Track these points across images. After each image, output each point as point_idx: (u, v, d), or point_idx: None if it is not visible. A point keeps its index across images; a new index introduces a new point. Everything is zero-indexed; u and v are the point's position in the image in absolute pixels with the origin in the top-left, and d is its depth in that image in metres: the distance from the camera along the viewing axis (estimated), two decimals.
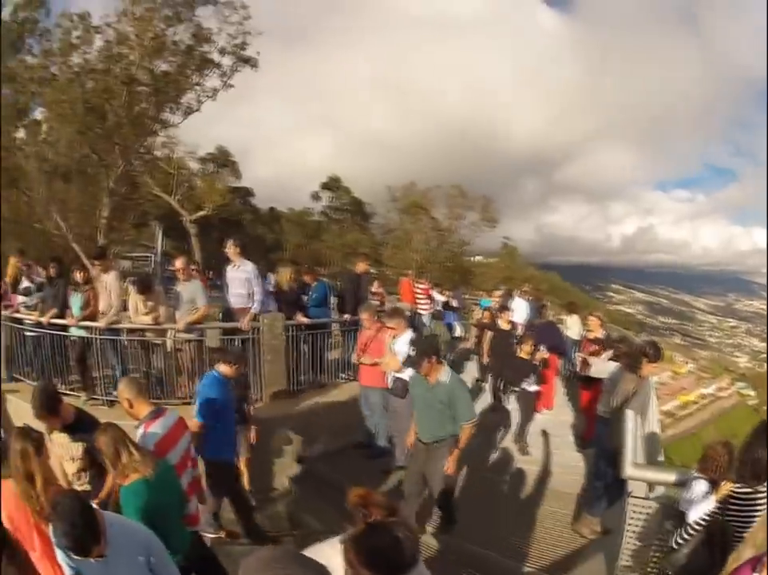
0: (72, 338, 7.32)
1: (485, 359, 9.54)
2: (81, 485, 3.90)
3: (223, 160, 36.78)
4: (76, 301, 7.28)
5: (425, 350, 4.80)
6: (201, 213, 27.21)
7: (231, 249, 7.19)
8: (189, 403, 6.57)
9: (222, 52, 21.50)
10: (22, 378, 7.86)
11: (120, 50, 20.57)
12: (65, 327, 7.28)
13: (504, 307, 9.83)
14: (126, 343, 7.11)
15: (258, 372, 7.24)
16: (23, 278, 8.28)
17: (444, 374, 4.79)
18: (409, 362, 5.16)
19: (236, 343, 7.09)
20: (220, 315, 7.88)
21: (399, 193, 38.59)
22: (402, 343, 6.30)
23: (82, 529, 2.39)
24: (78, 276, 7.34)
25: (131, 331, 7.08)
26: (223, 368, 4.98)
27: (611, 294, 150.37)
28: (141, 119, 21.70)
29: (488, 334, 9.45)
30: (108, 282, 7.06)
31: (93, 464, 3.93)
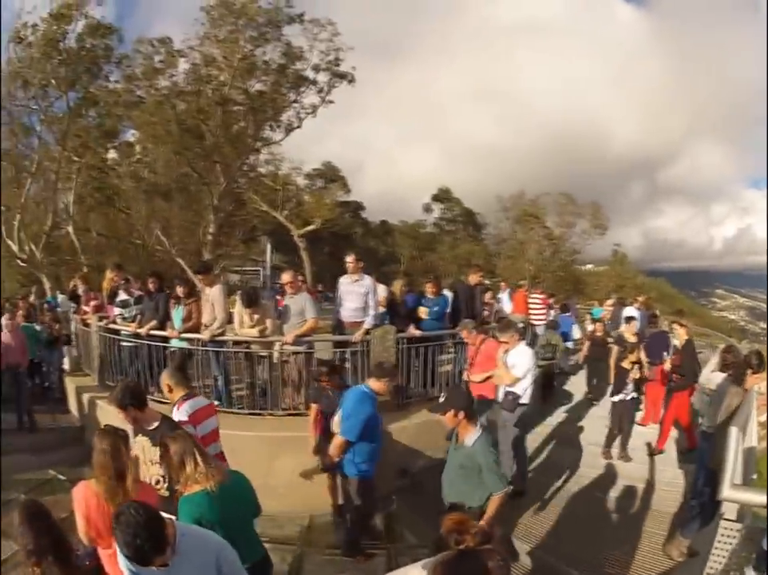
0: (171, 349, 7.42)
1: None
2: (160, 491, 3.83)
3: (331, 175, 37.64)
4: (177, 314, 7.43)
5: (454, 401, 4.06)
6: (310, 228, 27.44)
7: (351, 263, 7.09)
8: (293, 415, 6.80)
9: (316, 69, 21.91)
10: (115, 385, 7.86)
11: (209, 72, 21.19)
12: (163, 339, 7.40)
13: (630, 318, 9.59)
14: (229, 354, 7.22)
15: None
16: (120, 291, 8.42)
17: (471, 435, 4.05)
18: (435, 408, 4.29)
19: (347, 355, 7.07)
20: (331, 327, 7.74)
21: (509, 203, 38.50)
22: (515, 356, 6.18)
23: (145, 541, 2.33)
24: (179, 290, 7.48)
25: (236, 342, 7.15)
26: (374, 383, 4.93)
27: (716, 300, 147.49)
28: (241, 137, 22.34)
29: (615, 349, 9.07)
30: (212, 295, 7.13)
31: None
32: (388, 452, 6.37)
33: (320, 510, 6.06)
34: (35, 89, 19.68)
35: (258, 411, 7.00)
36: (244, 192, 25.75)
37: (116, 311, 8.27)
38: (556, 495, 6.49)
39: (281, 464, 6.24)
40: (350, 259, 7.17)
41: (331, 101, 22.84)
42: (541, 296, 12.29)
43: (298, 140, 24.71)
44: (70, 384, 9.43)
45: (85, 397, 8.32)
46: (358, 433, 4.74)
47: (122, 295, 8.30)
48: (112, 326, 8.23)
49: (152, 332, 7.47)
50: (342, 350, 7.14)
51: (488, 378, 6.56)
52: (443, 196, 44.45)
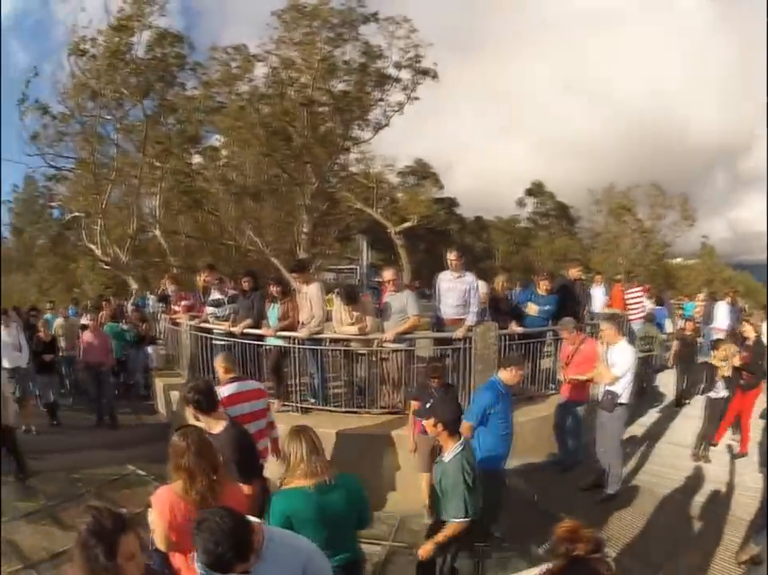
0: (267, 347, 7.43)
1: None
2: None
3: (423, 172, 37.71)
4: (273, 312, 7.39)
5: (438, 411, 3.93)
6: (406, 225, 27.52)
7: (454, 259, 6.89)
8: (392, 413, 6.73)
9: (398, 66, 21.94)
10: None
11: (289, 74, 21.49)
12: (257, 337, 7.41)
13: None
14: (326, 352, 7.12)
15: (468, 383, 6.90)
16: (213, 290, 8.46)
17: (449, 451, 3.87)
18: (419, 413, 4.38)
19: (448, 353, 6.88)
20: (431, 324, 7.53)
21: (601, 195, 38.01)
22: (617, 353, 5.96)
23: (228, 549, 2.18)
24: (275, 289, 7.45)
25: (334, 340, 7.07)
26: (502, 373, 4.93)
27: None
28: (329, 137, 22.65)
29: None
30: (309, 293, 7.06)
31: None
32: None
33: (412, 511, 5.95)
34: (106, 99, 20.26)
35: (354, 409, 6.93)
36: (337, 191, 25.88)
37: (209, 310, 8.30)
38: (638, 496, 6.25)
39: (376, 463, 6.20)
40: (452, 255, 6.96)
41: (417, 98, 22.76)
42: (638, 289, 11.94)
43: (388, 138, 24.89)
44: (159, 382, 9.59)
45: (173, 395, 8.45)
46: (476, 418, 4.78)
47: (215, 294, 8.33)
48: (204, 325, 8.26)
49: (247, 331, 7.47)
50: (442, 347, 6.95)
51: (589, 380, 6.42)
52: (536, 191, 44.08)
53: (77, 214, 24.13)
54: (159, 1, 19.85)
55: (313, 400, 7.23)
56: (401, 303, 6.72)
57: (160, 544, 3.00)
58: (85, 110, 20.63)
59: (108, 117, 21.12)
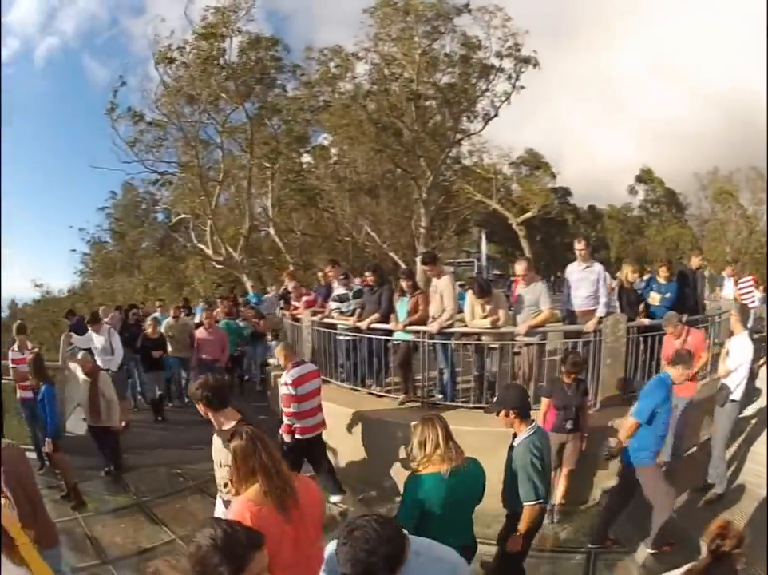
0: (395, 342, 7.45)
1: None
2: (227, 495, 3.69)
3: (535, 162, 37.26)
4: (402, 306, 7.35)
5: (505, 400, 3.96)
6: (528, 215, 27.55)
7: (582, 249, 6.82)
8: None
9: (499, 56, 21.79)
10: (329, 379, 8.08)
11: (392, 70, 21.75)
12: (385, 332, 7.36)
13: None
14: (456, 346, 7.05)
15: (595, 377, 6.75)
16: (338, 285, 8.49)
17: (520, 436, 3.92)
18: (488, 409, 4.31)
19: (578, 346, 6.64)
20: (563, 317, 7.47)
21: (706, 181, 36.92)
22: (736, 345, 5.89)
23: (379, 559, 1.97)
24: (404, 283, 7.41)
25: (463, 334, 7.01)
26: (670, 370, 4.79)
27: None
28: (440, 130, 22.84)
29: None
30: (440, 286, 6.93)
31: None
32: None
33: None
34: (204, 104, 20.96)
35: (483, 405, 6.46)
36: (452, 184, 25.94)
37: (333, 305, 8.32)
38: (741, 496, 5.97)
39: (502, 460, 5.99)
40: (580, 245, 6.91)
41: (522, 87, 22.49)
42: (749, 278, 11.39)
43: (498, 128, 25.18)
44: (275, 378, 9.32)
45: None
46: (647, 416, 4.68)
47: (339, 290, 8.34)
48: (327, 320, 8.31)
49: (374, 325, 7.40)
50: (573, 340, 6.76)
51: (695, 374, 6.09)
52: (646, 177, 42.54)
53: (183, 216, 25.05)
54: (243, 7, 20.36)
55: (440, 395, 7.15)
56: (535, 295, 6.60)
57: None
58: (182, 116, 21.45)
59: (209, 121, 21.85)
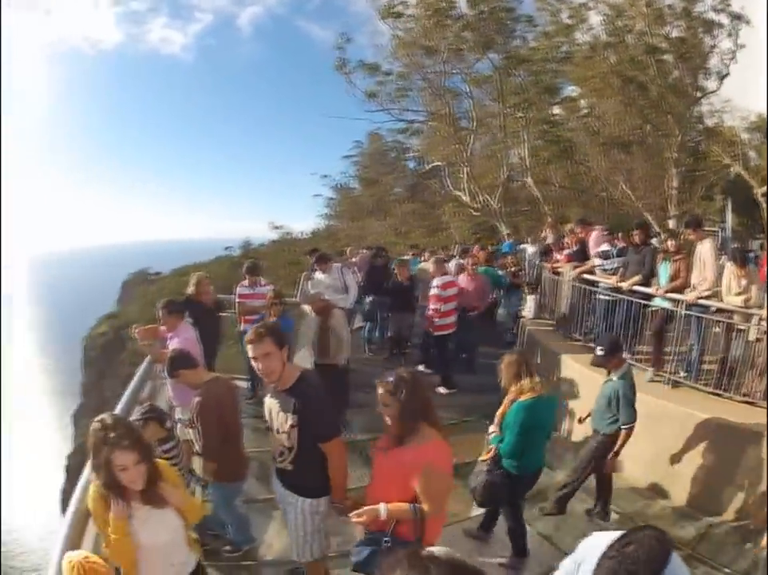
0: (652, 308, 7.15)
1: None
2: (283, 464, 3.42)
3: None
4: (664, 270, 7.09)
5: (609, 347, 4.96)
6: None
7: None
8: (748, 403, 5.96)
9: (715, 10, 20.70)
10: (579, 337, 8.34)
11: (624, 22, 21.22)
12: (645, 296, 7.09)
13: None
14: (710, 322, 6.44)
15: None
16: (603, 242, 8.34)
17: (618, 370, 4.97)
18: (594, 361, 5.15)
19: None
20: None
21: None
22: None
23: None
24: (670, 244, 7.26)
25: (720, 310, 6.34)
26: None
27: None
28: (680, 87, 21.90)
29: None
30: (702, 252, 6.51)
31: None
32: None
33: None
34: (443, 54, 21.37)
35: (719, 391, 6.20)
36: (698, 145, 24.71)
37: (597, 261, 8.13)
38: None
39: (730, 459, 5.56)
40: None
41: (743, 45, 20.97)
42: None
43: (735, 87, 22.83)
44: (529, 330, 9.53)
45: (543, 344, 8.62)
46: None
47: (603, 246, 8.17)
48: (588, 277, 8.21)
49: (634, 288, 7.18)
50: None
51: None
52: None
53: (437, 163, 25.70)
54: None
55: (684, 374, 6.72)
56: None
57: None
58: (423, 66, 22.12)
59: (455, 72, 22.33)
